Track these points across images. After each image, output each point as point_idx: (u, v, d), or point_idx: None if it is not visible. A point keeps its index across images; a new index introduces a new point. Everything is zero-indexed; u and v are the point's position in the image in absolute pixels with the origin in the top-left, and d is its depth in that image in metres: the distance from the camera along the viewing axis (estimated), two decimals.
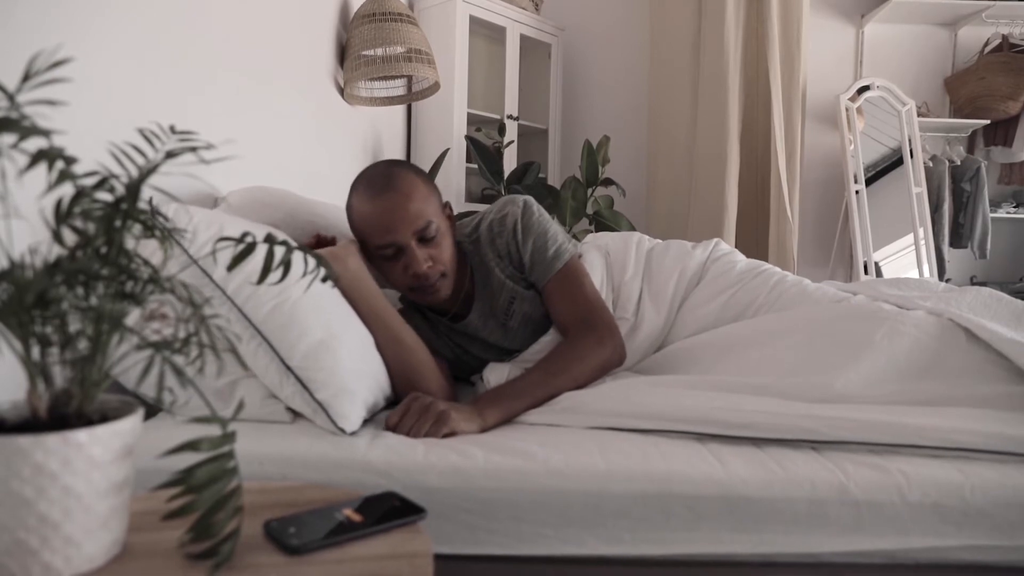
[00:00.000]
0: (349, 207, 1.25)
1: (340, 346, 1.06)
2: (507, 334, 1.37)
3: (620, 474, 0.89)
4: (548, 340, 1.33)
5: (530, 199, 1.36)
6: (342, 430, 0.99)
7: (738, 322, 1.39)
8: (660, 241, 1.60)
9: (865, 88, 3.73)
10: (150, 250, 0.71)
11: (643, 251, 1.54)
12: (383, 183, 1.20)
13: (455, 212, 2.90)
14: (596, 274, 1.43)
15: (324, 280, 1.08)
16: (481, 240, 1.35)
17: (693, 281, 1.49)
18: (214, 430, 0.58)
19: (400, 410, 1.04)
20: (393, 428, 1.02)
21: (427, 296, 1.27)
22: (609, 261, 1.50)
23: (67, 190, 0.56)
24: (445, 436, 1.00)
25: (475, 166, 2.98)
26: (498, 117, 3.29)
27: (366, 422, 1.05)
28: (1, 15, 0.88)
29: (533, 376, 1.16)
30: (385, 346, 1.16)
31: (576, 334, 1.24)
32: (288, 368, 1.00)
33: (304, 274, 1.01)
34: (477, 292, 1.36)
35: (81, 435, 0.53)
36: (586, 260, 1.45)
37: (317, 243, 1.27)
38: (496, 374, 1.28)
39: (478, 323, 1.36)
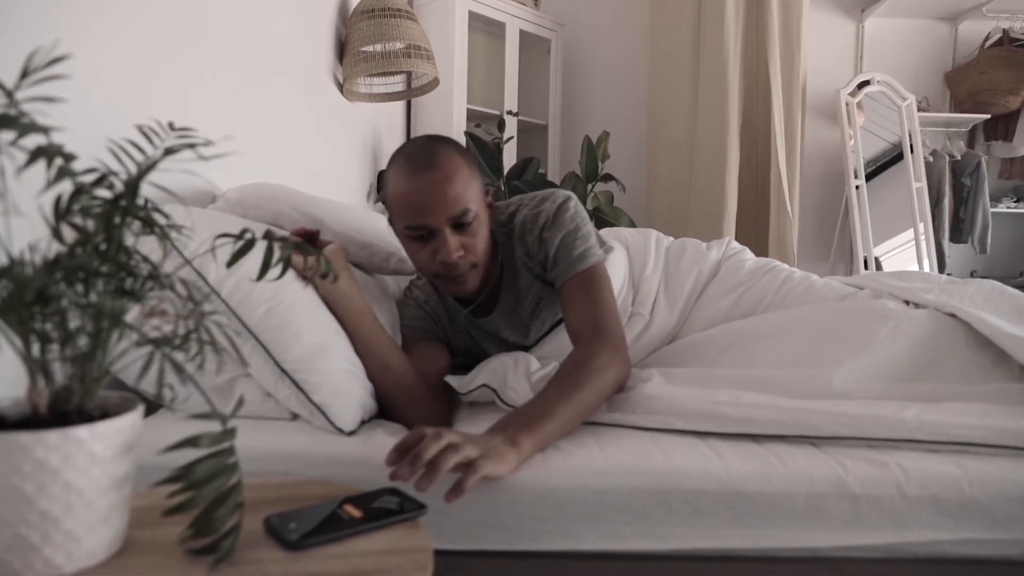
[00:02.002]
0: (386, 180, 1.17)
1: (335, 348, 1.05)
2: (528, 335, 1.34)
3: (619, 470, 0.90)
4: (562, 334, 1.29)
5: (571, 196, 1.27)
6: (340, 430, 0.99)
7: (744, 319, 1.39)
8: (674, 239, 1.61)
9: (865, 83, 3.72)
10: (149, 247, 0.71)
11: (662, 248, 1.54)
12: (424, 160, 1.11)
13: None
14: (619, 268, 1.42)
15: (324, 276, 1.08)
16: (514, 234, 1.27)
17: (708, 281, 1.50)
18: (214, 426, 0.58)
19: (404, 448, 0.83)
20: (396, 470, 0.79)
21: (453, 286, 1.19)
22: (629, 255, 1.50)
23: (66, 187, 0.56)
24: (488, 476, 0.83)
25: None
26: (498, 113, 3.28)
27: (363, 422, 1.04)
28: (1, 15, 0.88)
29: (554, 390, 1.00)
30: (371, 371, 1.10)
31: (591, 343, 1.10)
32: (283, 371, 1.00)
33: (305, 267, 1.01)
34: (504, 289, 1.30)
35: (82, 431, 0.53)
36: (610, 253, 1.43)
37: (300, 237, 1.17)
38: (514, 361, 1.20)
39: (500, 322, 1.32)
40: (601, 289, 1.19)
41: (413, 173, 1.11)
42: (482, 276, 1.22)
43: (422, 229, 1.13)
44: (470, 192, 1.13)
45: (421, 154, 1.13)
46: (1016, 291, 1.32)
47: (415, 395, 1.13)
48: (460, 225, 1.13)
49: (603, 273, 1.22)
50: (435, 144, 1.15)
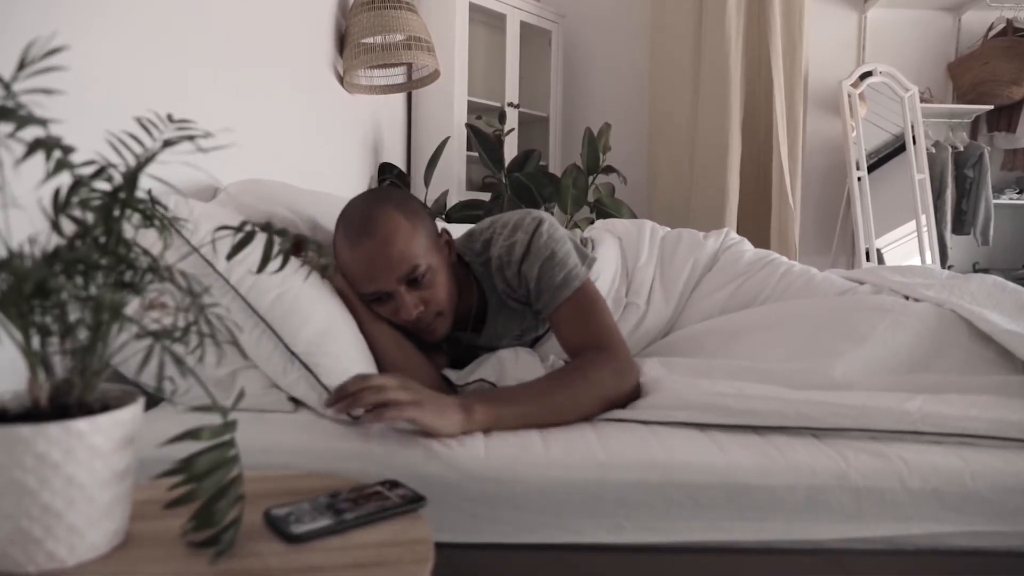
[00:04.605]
0: (333, 244, 1.17)
1: (343, 334, 1.07)
2: (525, 344, 1.33)
3: (620, 463, 0.89)
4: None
5: (542, 219, 1.21)
6: (348, 414, 0.99)
7: (743, 311, 1.39)
8: (670, 229, 1.60)
9: (867, 74, 3.71)
10: (149, 240, 0.71)
11: (656, 238, 1.53)
12: (361, 227, 1.10)
13: (458, 200, 2.91)
14: (611, 258, 1.42)
15: (324, 270, 1.07)
16: (491, 265, 1.24)
17: (704, 271, 1.49)
18: (215, 419, 0.58)
19: (342, 394, 0.87)
20: (344, 397, 0.87)
21: (424, 336, 1.19)
22: (622, 246, 1.49)
23: (65, 179, 0.55)
24: (413, 420, 0.88)
25: (476, 154, 2.97)
26: (499, 105, 3.27)
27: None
28: (1, 14, 0.88)
29: (535, 386, 1.03)
30: (386, 350, 1.13)
31: (591, 357, 1.08)
32: (293, 354, 1.01)
33: (303, 263, 1.01)
34: (490, 315, 1.28)
35: (82, 424, 0.53)
36: (600, 244, 1.43)
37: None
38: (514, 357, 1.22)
39: (493, 340, 1.31)
40: (593, 310, 1.16)
41: (352, 243, 1.11)
42: (452, 319, 1.20)
43: (376, 294, 1.13)
44: (415, 247, 1.11)
45: (357, 221, 1.12)
46: (1018, 287, 1.31)
47: (428, 375, 1.15)
48: (413, 281, 1.12)
49: (591, 292, 1.18)
50: (370, 206, 1.13)
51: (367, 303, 1.16)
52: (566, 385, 1.03)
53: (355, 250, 1.11)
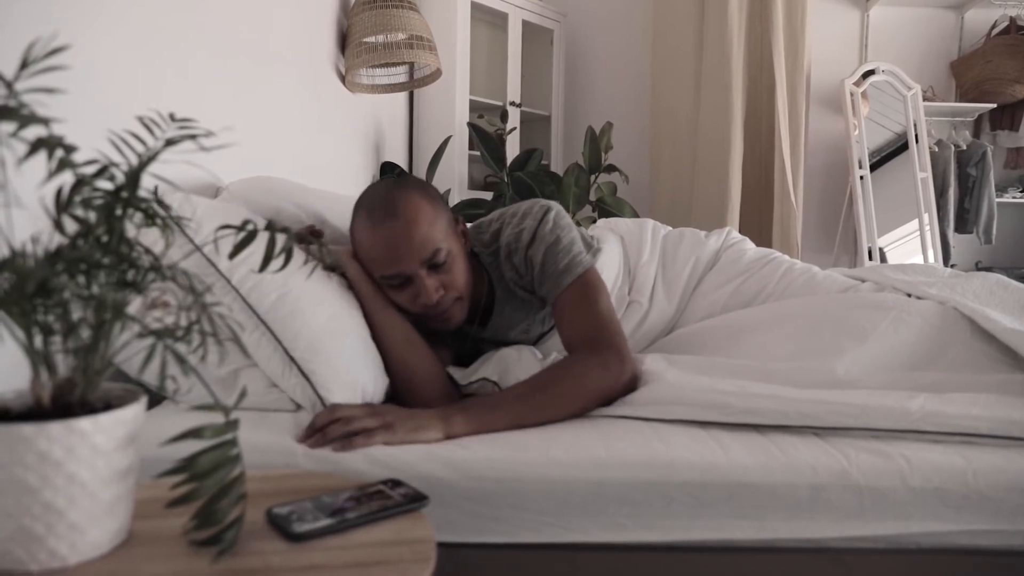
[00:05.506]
0: (351, 231, 1.17)
1: (343, 337, 1.06)
2: (530, 340, 1.34)
3: (621, 461, 0.89)
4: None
5: (550, 207, 1.24)
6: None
7: (745, 309, 1.39)
8: (672, 228, 1.60)
9: (870, 72, 3.70)
10: (152, 239, 0.71)
11: (658, 237, 1.53)
12: (384, 210, 1.11)
13: (460, 199, 2.91)
14: (614, 257, 1.42)
15: (328, 268, 1.07)
16: (500, 255, 1.25)
17: (706, 270, 1.49)
18: (217, 418, 0.58)
19: (325, 417, 0.94)
20: (315, 432, 0.92)
21: (440, 323, 1.19)
22: (625, 245, 1.50)
23: (67, 178, 0.56)
24: (388, 443, 0.91)
25: (477, 153, 2.97)
26: (500, 104, 3.27)
27: None
28: (1, 14, 0.88)
29: (517, 388, 1.06)
30: (395, 345, 1.13)
31: (579, 353, 1.11)
32: (292, 359, 1.01)
33: (306, 261, 1.01)
34: (497, 306, 1.29)
35: (85, 423, 0.54)
36: (603, 243, 1.43)
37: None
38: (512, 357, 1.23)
39: (499, 333, 1.32)
40: (593, 299, 1.17)
41: (375, 224, 1.11)
42: (468, 306, 1.21)
43: (397, 277, 1.13)
44: (436, 230, 1.12)
45: (380, 203, 1.12)
46: (1020, 285, 1.31)
47: (437, 371, 1.16)
48: (434, 265, 1.12)
49: (593, 280, 1.19)
50: (393, 190, 1.14)
51: (385, 288, 1.16)
52: (551, 384, 1.05)
53: (377, 231, 1.11)
